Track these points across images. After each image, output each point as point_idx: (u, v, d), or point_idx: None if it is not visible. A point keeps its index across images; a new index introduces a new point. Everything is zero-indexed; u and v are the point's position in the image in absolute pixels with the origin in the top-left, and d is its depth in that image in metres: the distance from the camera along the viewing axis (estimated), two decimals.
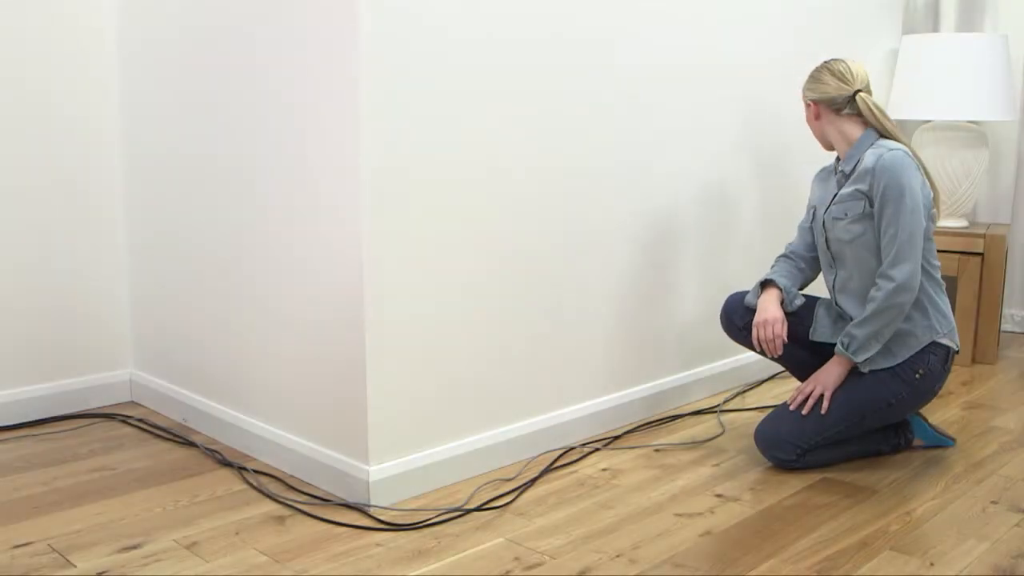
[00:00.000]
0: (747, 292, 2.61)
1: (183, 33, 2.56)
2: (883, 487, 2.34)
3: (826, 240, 2.50)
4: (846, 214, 2.41)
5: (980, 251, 3.43)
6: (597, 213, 2.57)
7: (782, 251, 2.70)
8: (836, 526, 2.14)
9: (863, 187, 2.37)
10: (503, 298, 2.38)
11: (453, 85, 2.18)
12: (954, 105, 3.41)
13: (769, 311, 2.46)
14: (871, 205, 2.37)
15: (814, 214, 2.57)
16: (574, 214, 2.51)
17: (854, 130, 2.44)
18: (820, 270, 2.61)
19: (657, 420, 2.81)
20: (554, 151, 2.43)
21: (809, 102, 2.50)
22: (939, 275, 2.43)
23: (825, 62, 2.49)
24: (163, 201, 2.74)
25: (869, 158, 2.39)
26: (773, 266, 2.61)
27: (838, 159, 2.53)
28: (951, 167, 3.49)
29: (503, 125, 2.31)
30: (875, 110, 2.41)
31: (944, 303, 2.43)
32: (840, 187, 2.48)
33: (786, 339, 2.51)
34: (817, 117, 2.49)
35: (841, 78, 2.43)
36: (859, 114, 2.44)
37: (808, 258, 2.60)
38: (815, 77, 2.49)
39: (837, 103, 2.44)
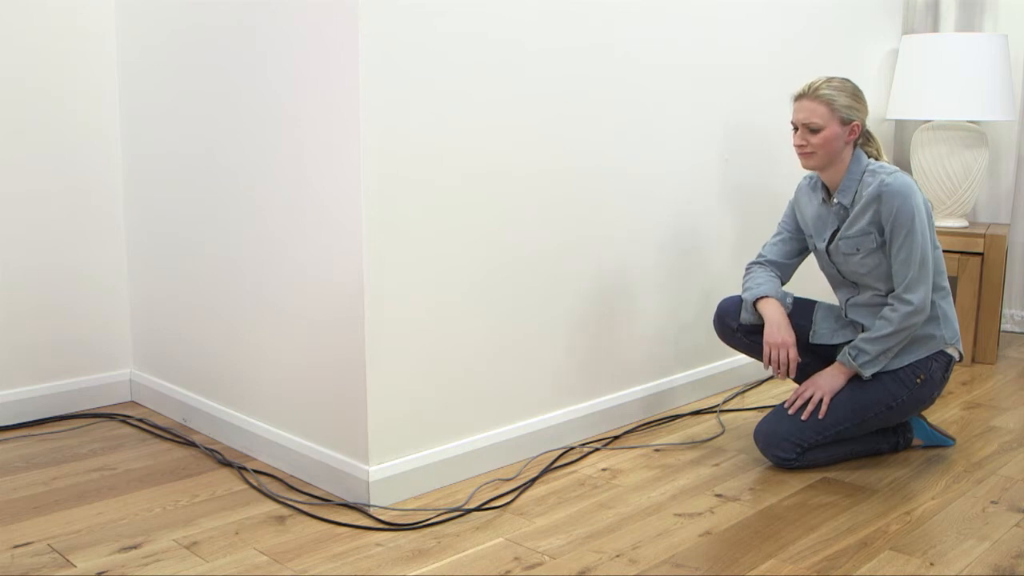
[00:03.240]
0: (738, 296, 2.61)
1: (182, 34, 2.56)
2: (883, 487, 2.34)
3: (838, 271, 2.50)
4: (858, 249, 2.40)
5: (980, 251, 3.43)
6: (597, 214, 2.57)
7: (755, 258, 2.67)
8: (836, 526, 2.14)
9: (871, 217, 2.36)
10: (503, 298, 2.38)
11: (453, 87, 2.18)
12: (954, 105, 3.41)
13: (782, 333, 2.42)
14: (881, 234, 2.37)
15: (814, 245, 2.54)
16: (573, 214, 2.51)
17: (847, 153, 2.42)
18: (791, 274, 2.62)
19: (657, 420, 2.81)
20: (554, 153, 2.43)
21: (855, 123, 2.38)
22: (947, 282, 2.43)
23: (849, 80, 2.41)
24: (163, 202, 2.74)
25: (869, 186, 2.36)
26: (751, 275, 2.57)
27: (824, 185, 2.48)
28: (951, 167, 3.49)
29: (504, 127, 2.31)
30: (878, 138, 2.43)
31: (952, 312, 2.43)
32: (840, 220, 2.44)
33: (799, 358, 2.49)
34: (849, 139, 2.40)
35: (865, 103, 2.43)
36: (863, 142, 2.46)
37: (784, 265, 2.59)
38: (858, 96, 2.39)
39: (864, 128, 2.43)
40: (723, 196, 2.97)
